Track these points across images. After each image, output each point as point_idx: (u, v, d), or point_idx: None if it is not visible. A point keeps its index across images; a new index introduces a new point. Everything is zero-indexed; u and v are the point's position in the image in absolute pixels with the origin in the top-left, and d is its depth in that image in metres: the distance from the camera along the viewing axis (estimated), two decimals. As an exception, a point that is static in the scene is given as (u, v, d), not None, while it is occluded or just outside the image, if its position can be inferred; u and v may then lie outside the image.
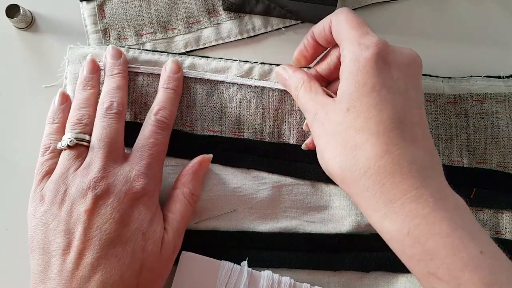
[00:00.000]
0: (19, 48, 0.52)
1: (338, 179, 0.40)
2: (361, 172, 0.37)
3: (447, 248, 0.34)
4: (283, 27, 0.53)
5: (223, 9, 0.52)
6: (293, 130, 0.49)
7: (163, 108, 0.46)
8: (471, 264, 0.33)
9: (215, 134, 0.49)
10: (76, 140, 0.43)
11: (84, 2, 0.52)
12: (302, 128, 0.49)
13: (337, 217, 0.48)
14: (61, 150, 0.44)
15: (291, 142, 0.49)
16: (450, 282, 0.33)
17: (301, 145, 0.49)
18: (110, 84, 0.46)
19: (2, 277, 0.49)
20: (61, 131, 0.45)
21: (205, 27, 0.53)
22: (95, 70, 0.47)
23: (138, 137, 0.45)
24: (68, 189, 0.41)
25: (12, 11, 0.50)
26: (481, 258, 0.33)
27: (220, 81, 0.50)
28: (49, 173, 0.43)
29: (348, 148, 0.38)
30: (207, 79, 0.50)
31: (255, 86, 0.50)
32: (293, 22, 0.53)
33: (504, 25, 0.53)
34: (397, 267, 0.47)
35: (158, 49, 0.52)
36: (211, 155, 0.47)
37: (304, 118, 0.49)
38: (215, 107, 0.49)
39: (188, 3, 0.52)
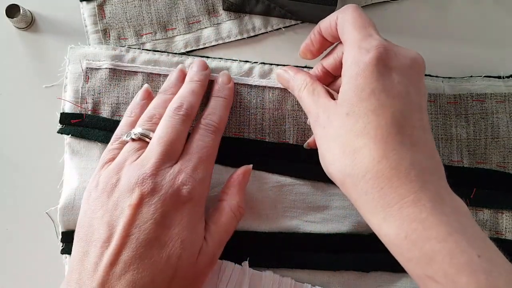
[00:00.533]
0: (19, 48, 0.52)
1: (338, 182, 0.40)
2: (360, 176, 0.37)
3: (444, 252, 0.34)
4: (283, 27, 0.53)
5: (223, 9, 0.52)
6: (293, 130, 0.49)
7: (212, 113, 0.46)
8: (468, 268, 0.33)
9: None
10: (140, 134, 0.43)
11: (84, 2, 0.52)
12: (302, 128, 0.49)
13: (337, 217, 0.48)
14: (126, 142, 0.44)
15: (291, 142, 0.49)
16: (447, 285, 0.34)
17: (302, 145, 0.49)
18: (185, 88, 0.46)
19: (2, 277, 0.49)
20: (134, 125, 0.45)
21: (205, 27, 0.53)
22: (182, 79, 0.48)
23: (188, 141, 0.44)
24: (119, 180, 0.41)
25: (12, 11, 0.50)
26: (478, 262, 0.33)
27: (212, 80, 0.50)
28: (111, 160, 0.43)
29: (348, 152, 0.38)
30: (208, 76, 0.50)
31: (255, 86, 0.50)
32: (293, 22, 0.53)
33: (504, 25, 0.53)
34: (397, 267, 0.47)
35: (158, 49, 0.52)
36: (251, 165, 0.47)
37: (305, 117, 0.49)
38: (215, 107, 0.49)
39: (188, 3, 0.52)
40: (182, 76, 0.48)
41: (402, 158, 0.37)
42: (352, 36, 0.40)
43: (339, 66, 0.44)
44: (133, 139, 0.43)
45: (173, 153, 0.42)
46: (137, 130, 0.43)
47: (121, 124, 0.46)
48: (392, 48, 0.39)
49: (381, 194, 0.36)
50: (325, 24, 0.44)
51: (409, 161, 0.37)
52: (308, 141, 0.48)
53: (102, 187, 0.41)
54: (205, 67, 0.48)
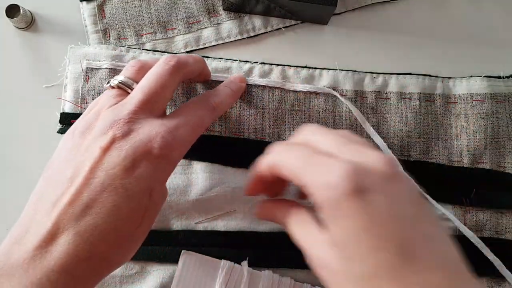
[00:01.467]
0: (19, 48, 0.52)
1: None
2: None
3: None
4: (283, 27, 0.53)
5: (223, 9, 0.52)
6: (293, 130, 0.49)
7: (216, 95, 0.44)
8: None
9: (215, 134, 0.49)
10: (119, 82, 0.42)
11: (84, 2, 0.52)
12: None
13: (337, 217, 0.48)
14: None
15: (290, 141, 0.49)
16: None
17: None
18: (186, 55, 0.45)
19: (2, 277, 0.49)
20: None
21: (205, 27, 0.53)
22: (191, 62, 0.45)
23: (184, 105, 0.42)
24: (95, 124, 0.39)
25: (12, 11, 0.50)
26: None
27: (221, 81, 0.50)
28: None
29: None
30: (208, 79, 0.50)
31: (255, 86, 0.50)
32: (293, 22, 0.53)
33: (504, 25, 0.53)
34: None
35: (158, 49, 0.52)
36: None
37: (304, 117, 0.49)
38: (215, 107, 0.50)
39: (188, 3, 0.52)
40: (201, 62, 0.47)
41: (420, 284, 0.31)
42: (309, 176, 0.34)
43: (276, 178, 0.39)
44: (112, 87, 0.42)
45: (155, 104, 0.40)
46: (119, 77, 0.42)
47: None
48: (358, 166, 0.33)
49: None
50: (263, 174, 0.40)
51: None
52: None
53: (79, 131, 0.39)
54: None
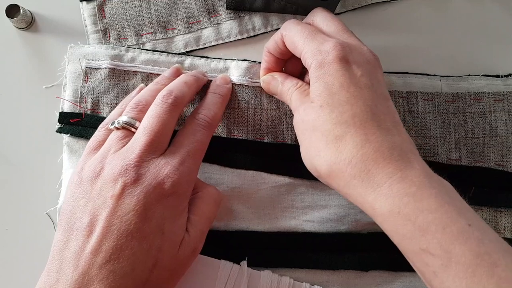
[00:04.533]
0: (19, 48, 0.53)
1: (324, 173, 0.40)
2: (346, 163, 0.38)
3: (437, 223, 0.34)
4: (283, 27, 0.53)
5: (226, 8, 0.52)
6: (291, 130, 0.49)
7: (206, 108, 0.46)
8: (460, 237, 0.34)
9: (213, 134, 0.49)
10: (124, 123, 0.43)
11: (84, 2, 0.52)
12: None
13: (335, 216, 0.48)
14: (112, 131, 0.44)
15: (289, 142, 0.49)
16: (442, 256, 0.34)
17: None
18: (178, 79, 0.46)
19: (2, 277, 0.49)
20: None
21: (205, 27, 0.53)
22: (176, 75, 0.48)
23: (177, 134, 0.44)
24: (103, 169, 0.40)
25: (12, 11, 0.51)
26: (470, 231, 0.34)
27: (219, 81, 0.50)
28: (98, 147, 0.43)
29: (330, 141, 0.39)
30: (207, 81, 0.50)
31: (253, 87, 0.50)
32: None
33: (503, 24, 0.53)
34: (396, 266, 0.47)
35: (158, 49, 0.52)
36: None
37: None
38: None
39: (188, 3, 0.52)
40: (177, 73, 0.48)
41: (383, 140, 0.38)
42: (307, 45, 0.42)
43: (283, 50, 0.46)
44: (117, 128, 0.43)
45: (158, 144, 0.42)
46: (122, 118, 0.43)
47: (110, 114, 0.46)
48: (349, 45, 0.42)
49: (369, 176, 0.37)
50: (272, 45, 0.47)
51: (390, 143, 0.38)
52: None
53: (86, 176, 0.41)
54: (202, 72, 0.49)
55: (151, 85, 0.47)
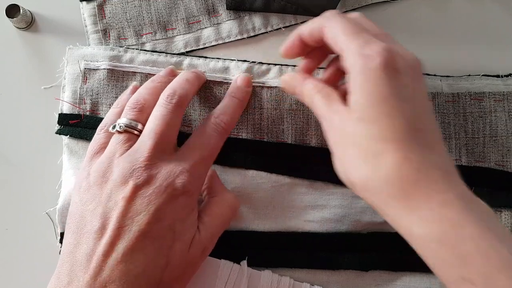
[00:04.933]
0: (19, 48, 0.53)
1: (360, 188, 0.39)
2: (383, 181, 0.36)
3: (480, 251, 0.33)
4: (283, 27, 0.53)
5: (226, 8, 0.52)
6: (291, 130, 0.49)
7: (224, 113, 0.45)
8: (504, 267, 0.32)
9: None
10: (126, 126, 0.42)
11: (84, 2, 0.52)
12: (300, 128, 0.49)
13: (335, 216, 0.48)
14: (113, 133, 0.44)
15: (289, 141, 0.49)
16: (484, 286, 0.32)
17: (300, 145, 0.49)
18: (180, 76, 0.46)
19: (2, 277, 0.49)
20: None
21: (205, 27, 0.53)
22: (171, 75, 0.47)
23: (192, 135, 0.44)
24: (111, 173, 0.40)
25: (12, 11, 0.51)
26: None
27: (219, 81, 0.50)
28: (100, 151, 0.43)
29: (368, 157, 0.37)
30: (206, 79, 0.50)
31: (253, 86, 0.50)
32: (293, 21, 0.53)
33: (503, 24, 0.53)
34: (396, 266, 0.47)
35: (158, 49, 0.52)
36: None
37: (303, 116, 0.49)
38: (213, 107, 0.49)
39: (188, 3, 0.52)
40: (172, 74, 0.48)
41: (423, 160, 0.36)
42: (350, 45, 0.39)
43: (317, 40, 0.43)
44: (119, 131, 0.43)
45: (166, 145, 0.42)
46: (122, 121, 0.43)
47: (107, 115, 0.46)
48: (395, 50, 0.38)
49: (407, 197, 0.35)
50: (307, 32, 0.43)
51: (431, 163, 0.36)
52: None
53: (93, 179, 0.41)
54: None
55: (148, 83, 0.46)
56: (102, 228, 0.39)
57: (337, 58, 0.45)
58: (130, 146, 0.42)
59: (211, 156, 0.44)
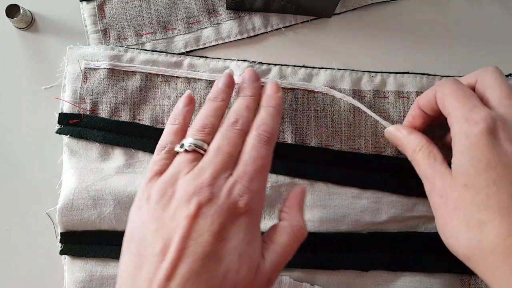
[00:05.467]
0: (19, 48, 0.53)
1: (462, 256, 0.39)
2: (488, 252, 0.36)
3: None
4: (283, 27, 0.53)
5: (227, 8, 0.52)
6: (291, 130, 0.49)
7: (264, 123, 0.44)
8: None
9: (214, 134, 0.49)
10: (195, 146, 0.41)
11: (84, 2, 0.52)
12: (300, 128, 0.49)
13: (336, 216, 0.48)
14: (176, 152, 0.42)
15: (289, 141, 0.49)
16: None
17: (300, 144, 0.49)
18: (240, 103, 0.45)
19: (1, 277, 0.49)
20: (180, 133, 0.44)
21: (205, 27, 0.53)
22: (230, 84, 0.46)
23: (242, 151, 0.42)
24: (175, 192, 0.39)
25: (12, 11, 0.51)
26: None
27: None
28: (160, 172, 0.42)
29: (472, 225, 0.37)
30: (206, 79, 0.50)
31: (253, 86, 0.50)
32: (293, 22, 0.53)
33: (504, 24, 0.53)
34: (396, 266, 0.47)
35: (158, 49, 0.52)
36: (306, 186, 0.46)
37: (303, 116, 0.49)
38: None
39: (188, 3, 0.52)
40: (231, 81, 0.46)
41: None
42: (456, 109, 0.40)
43: (434, 107, 0.44)
44: (186, 151, 0.42)
45: (230, 164, 0.41)
46: (190, 140, 0.42)
47: (165, 132, 0.44)
48: (500, 118, 0.39)
49: None
50: (424, 100, 0.44)
51: None
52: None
53: (156, 200, 0.39)
54: (256, 78, 0.47)
55: (211, 104, 0.45)
56: (164, 250, 0.37)
57: (425, 95, 0.46)
58: (195, 166, 0.41)
59: (265, 168, 0.42)
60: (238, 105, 0.44)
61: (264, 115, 0.44)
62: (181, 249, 0.36)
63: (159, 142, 0.43)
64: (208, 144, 0.42)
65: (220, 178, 0.39)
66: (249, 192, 0.39)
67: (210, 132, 0.43)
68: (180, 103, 0.45)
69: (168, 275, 0.36)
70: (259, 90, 0.46)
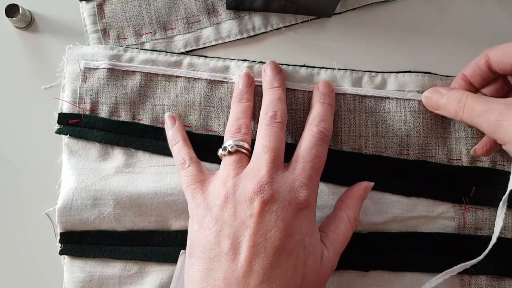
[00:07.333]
0: (19, 48, 0.53)
1: None
2: None
3: None
4: (283, 27, 0.53)
5: (227, 8, 0.52)
6: (291, 130, 0.49)
7: (323, 120, 0.45)
8: None
9: (213, 133, 0.49)
10: (237, 146, 0.43)
11: (84, 2, 0.52)
12: (300, 128, 0.49)
13: (336, 216, 0.48)
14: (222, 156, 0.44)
15: (289, 141, 0.49)
16: None
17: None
18: (272, 96, 0.45)
19: (2, 277, 0.49)
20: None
21: (205, 27, 0.53)
22: (250, 84, 0.48)
23: (299, 147, 0.43)
24: (232, 193, 0.40)
25: (11, 10, 0.51)
26: None
27: (219, 80, 0.50)
28: (208, 178, 0.43)
29: None
30: (206, 79, 0.50)
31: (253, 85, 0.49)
32: (293, 21, 0.53)
33: (503, 24, 0.53)
34: (396, 266, 0.47)
35: (158, 49, 0.52)
36: (372, 183, 0.46)
37: (304, 116, 0.49)
38: (213, 107, 0.49)
39: (188, 2, 0.52)
40: (250, 80, 0.48)
41: None
42: None
43: (479, 76, 0.45)
44: (230, 152, 0.43)
45: (279, 160, 0.42)
46: (231, 142, 0.43)
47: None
48: None
49: None
50: (471, 70, 0.46)
51: None
52: (475, 147, 0.48)
53: (212, 203, 0.41)
54: (279, 69, 0.48)
55: (238, 105, 0.46)
56: (234, 249, 0.38)
57: (470, 65, 0.47)
58: (244, 166, 0.42)
59: (321, 166, 0.43)
60: (270, 97, 0.45)
61: (322, 112, 0.45)
62: (252, 245, 0.38)
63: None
64: (248, 143, 0.43)
65: (277, 175, 0.40)
66: (307, 188, 0.40)
67: (247, 132, 0.44)
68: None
69: (245, 271, 0.37)
70: (283, 79, 0.48)
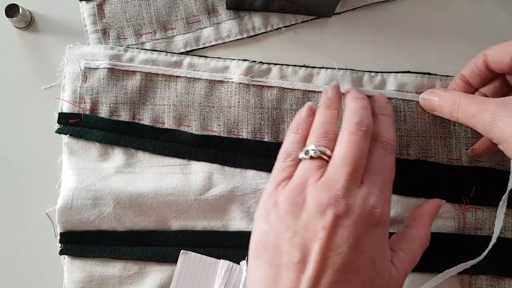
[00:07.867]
0: (19, 48, 0.52)
1: None
2: None
3: None
4: (283, 27, 0.53)
5: (227, 8, 0.52)
6: (286, 130, 0.49)
7: (386, 131, 0.44)
8: None
9: (213, 134, 0.49)
10: (320, 152, 0.41)
11: (84, 2, 0.52)
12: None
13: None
14: (300, 160, 0.42)
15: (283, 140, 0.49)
16: None
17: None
18: (357, 104, 0.44)
19: (2, 277, 0.49)
20: (303, 141, 0.43)
21: (205, 27, 0.53)
22: (339, 96, 0.46)
23: (369, 160, 0.42)
24: (306, 201, 0.39)
25: (11, 10, 0.50)
26: None
27: (219, 80, 0.50)
28: (287, 179, 0.41)
29: None
30: (206, 79, 0.50)
31: (253, 85, 0.50)
32: (293, 21, 0.53)
33: (503, 24, 0.53)
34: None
35: (158, 49, 0.52)
36: (444, 200, 0.46)
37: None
38: (213, 107, 0.49)
39: (188, 2, 0.52)
40: (340, 94, 0.46)
41: None
42: None
43: (478, 75, 0.45)
44: (312, 157, 0.41)
45: (358, 173, 0.40)
46: (314, 147, 0.42)
47: (288, 140, 0.44)
48: None
49: None
50: (470, 70, 0.45)
51: None
52: (473, 147, 0.48)
53: (285, 208, 0.39)
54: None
55: (326, 111, 0.44)
56: (303, 261, 0.37)
57: (469, 65, 0.47)
58: (322, 173, 0.40)
59: (392, 178, 0.42)
60: (355, 105, 0.44)
61: (383, 123, 0.44)
62: (322, 259, 0.37)
63: (283, 149, 0.44)
64: (331, 150, 0.42)
65: (352, 189, 0.39)
66: (382, 203, 0.39)
67: (333, 138, 0.42)
68: (303, 113, 0.45)
69: (311, 285, 0.36)
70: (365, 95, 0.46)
